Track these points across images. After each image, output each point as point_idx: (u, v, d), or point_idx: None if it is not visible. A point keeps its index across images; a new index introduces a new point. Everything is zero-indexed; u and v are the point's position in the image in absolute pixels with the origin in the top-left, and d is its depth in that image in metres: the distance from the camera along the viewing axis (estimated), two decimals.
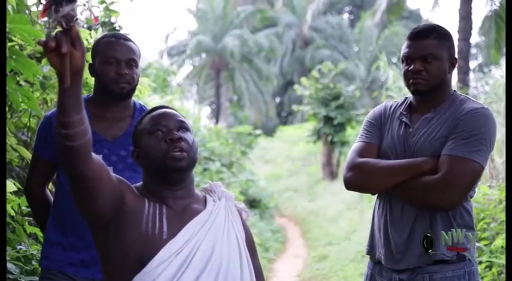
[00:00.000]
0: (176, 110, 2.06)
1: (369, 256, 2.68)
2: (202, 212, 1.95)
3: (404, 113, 2.61)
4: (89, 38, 3.66)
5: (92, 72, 2.73)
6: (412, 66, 2.52)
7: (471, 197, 2.53)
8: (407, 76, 2.55)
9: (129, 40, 2.73)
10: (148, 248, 1.83)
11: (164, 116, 1.99)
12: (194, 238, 1.88)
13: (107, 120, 2.69)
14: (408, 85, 2.57)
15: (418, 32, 2.55)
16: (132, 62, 2.67)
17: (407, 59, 2.55)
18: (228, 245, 1.94)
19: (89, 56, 3.80)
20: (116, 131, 2.70)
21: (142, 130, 1.99)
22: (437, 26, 2.60)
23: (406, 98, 2.69)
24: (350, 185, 2.58)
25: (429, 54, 2.50)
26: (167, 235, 1.86)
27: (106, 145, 2.67)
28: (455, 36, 11.78)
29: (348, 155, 2.64)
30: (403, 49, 2.57)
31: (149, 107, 2.91)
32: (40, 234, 3.23)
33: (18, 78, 3.43)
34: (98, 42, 2.75)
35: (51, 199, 2.77)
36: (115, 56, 2.64)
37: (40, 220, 2.85)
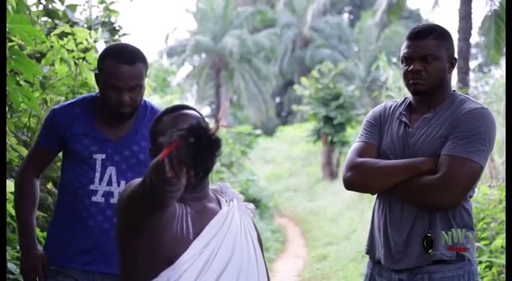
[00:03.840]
0: (196, 110, 2.06)
1: (368, 256, 2.68)
2: (219, 212, 1.98)
3: (404, 113, 2.60)
4: (88, 37, 3.65)
5: (97, 82, 2.69)
6: (411, 67, 2.52)
7: (471, 197, 2.52)
8: (407, 76, 2.54)
9: (135, 61, 2.59)
10: (178, 248, 1.87)
11: (184, 119, 1.97)
12: (215, 238, 1.91)
13: (111, 120, 2.69)
14: (408, 85, 2.56)
15: (418, 32, 2.54)
16: (136, 87, 2.59)
17: (406, 59, 2.54)
18: (246, 244, 1.98)
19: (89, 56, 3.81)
20: (120, 131, 2.69)
21: (161, 130, 1.99)
22: (437, 26, 2.59)
23: (406, 98, 2.68)
24: (349, 185, 2.57)
25: (429, 54, 2.50)
26: (192, 235, 1.90)
27: (110, 144, 2.67)
28: (455, 36, 11.78)
29: (347, 155, 2.64)
30: (403, 49, 2.57)
31: None
32: (40, 234, 3.23)
33: (18, 78, 3.44)
34: (104, 58, 2.63)
35: (38, 193, 2.77)
36: (117, 85, 2.56)
37: (19, 209, 2.74)
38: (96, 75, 2.68)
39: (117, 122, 2.68)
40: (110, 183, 2.64)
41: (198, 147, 1.49)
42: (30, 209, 2.72)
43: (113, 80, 2.56)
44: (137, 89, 2.60)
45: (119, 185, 2.65)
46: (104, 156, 2.66)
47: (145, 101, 2.76)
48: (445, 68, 2.53)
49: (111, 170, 2.66)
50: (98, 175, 2.65)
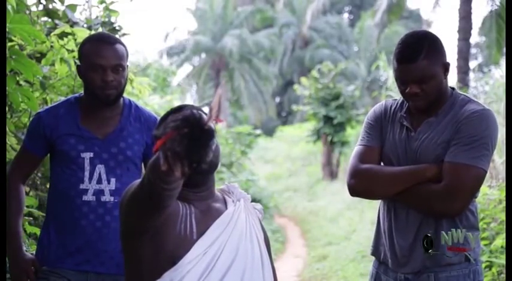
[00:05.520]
0: (201, 109, 2.06)
1: (371, 256, 2.67)
2: (224, 212, 1.98)
3: (405, 116, 2.56)
4: None
5: (80, 75, 2.72)
6: (408, 89, 2.43)
7: (476, 197, 2.50)
8: (405, 96, 2.48)
9: (115, 42, 2.68)
10: (181, 248, 1.87)
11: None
12: (220, 238, 1.91)
13: (97, 118, 2.71)
14: (407, 101, 2.52)
15: (407, 56, 2.40)
16: (118, 67, 2.64)
17: (401, 81, 2.45)
18: (251, 245, 1.97)
19: None
20: (106, 129, 2.71)
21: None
22: (423, 36, 2.45)
23: None
24: (354, 191, 2.55)
25: (423, 76, 2.39)
26: (196, 235, 1.90)
27: (97, 142, 2.69)
28: (455, 36, 11.75)
29: (350, 159, 2.61)
30: (395, 70, 2.46)
31: (149, 107, 2.92)
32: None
33: (18, 78, 3.43)
34: (83, 45, 2.71)
35: (24, 198, 2.77)
36: (100, 64, 2.61)
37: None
38: (78, 67, 2.71)
39: (103, 115, 2.69)
40: (99, 181, 2.65)
41: (191, 137, 1.50)
42: (15, 214, 2.71)
43: (95, 59, 2.61)
44: (120, 70, 2.64)
45: (109, 182, 2.66)
46: (91, 154, 2.67)
47: (129, 100, 2.81)
48: (441, 79, 2.44)
49: (100, 168, 2.66)
50: (87, 173, 2.65)
